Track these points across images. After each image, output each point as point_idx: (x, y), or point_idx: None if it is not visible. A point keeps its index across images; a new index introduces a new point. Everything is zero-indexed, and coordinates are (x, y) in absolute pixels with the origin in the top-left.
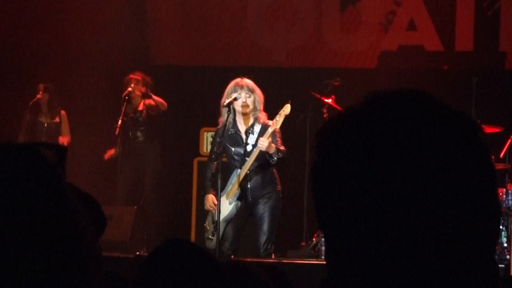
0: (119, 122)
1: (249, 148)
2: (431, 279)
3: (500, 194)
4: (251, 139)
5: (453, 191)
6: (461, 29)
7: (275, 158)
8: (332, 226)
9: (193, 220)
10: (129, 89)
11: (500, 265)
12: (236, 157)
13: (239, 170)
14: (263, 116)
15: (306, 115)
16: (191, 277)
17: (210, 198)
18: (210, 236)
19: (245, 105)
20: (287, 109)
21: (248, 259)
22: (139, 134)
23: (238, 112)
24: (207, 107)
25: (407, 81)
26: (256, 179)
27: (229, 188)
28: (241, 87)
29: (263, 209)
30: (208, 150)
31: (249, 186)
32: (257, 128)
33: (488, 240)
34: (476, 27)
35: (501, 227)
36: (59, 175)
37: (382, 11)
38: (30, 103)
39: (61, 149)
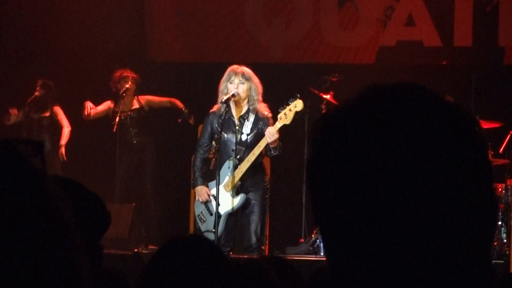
0: (117, 119)
1: (243, 137)
2: (427, 274)
3: (500, 189)
4: (246, 127)
5: (449, 186)
6: (460, 24)
7: (276, 153)
8: (327, 222)
9: (191, 216)
10: (127, 86)
11: (499, 261)
12: (229, 145)
13: (231, 160)
14: (262, 107)
15: (304, 111)
16: (200, 272)
17: (205, 190)
18: (212, 230)
19: (236, 93)
20: (299, 105)
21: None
22: (135, 131)
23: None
24: (205, 103)
25: (406, 77)
26: (248, 170)
27: (226, 180)
28: (236, 73)
29: (253, 203)
30: None
31: (242, 176)
32: (252, 116)
33: (484, 236)
34: (475, 22)
35: (500, 222)
36: (35, 169)
37: (381, 7)
38: (28, 100)
39: (38, 144)
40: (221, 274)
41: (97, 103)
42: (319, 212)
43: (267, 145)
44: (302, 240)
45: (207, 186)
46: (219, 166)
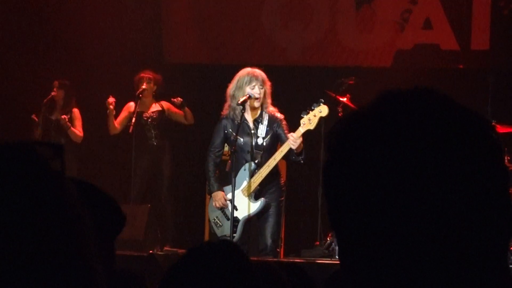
0: (133, 121)
1: (259, 141)
2: (443, 280)
3: None
4: (261, 131)
5: (464, 191)
6: (477, 28)
7: (300, 158)
8: (343, 226)
9: (207, 218)
10: (143, 87)
11: None
12: (244, 149)
13: (247, 164)
14: (272, 109)
15: (328, 116)
16: (228, 278)
17: (221, 195)
18: (234, 235)
19: (258, 97)
20: (324, 110)
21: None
22: (153, 132)
23: (249, 102)
24: (221, 105)
25: (423, 80)
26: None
27: (244, 184)
28: (257, 78)
29: (269, 205)
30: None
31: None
32: (265, 118)
33: (501, 241)
34: (492, 26)
35: None
36: (54, 171)
37: (398, 10)
38: (45, 100)
39: (57, 147)
40: (248, 281)
41: (115, 105)
42: (335, 217)
43: (290, 150)
44: (317, 243)
45: (223, 191)
46: (235, 170)
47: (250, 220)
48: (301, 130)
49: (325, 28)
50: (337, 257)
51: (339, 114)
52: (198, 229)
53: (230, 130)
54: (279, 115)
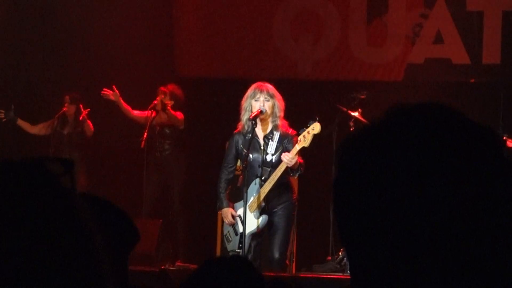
0: (145, 135)
1: (268, 157)
2: None
3: None
4: (271, 147)
5: (474, 208)
6: (488, 42)
7: (297, 174)
8: (354, 242)
9: (218, 234)
10: (155, 101)
11: None
12: (254, 165)
13: (257, 180)
14: (283, 124)
15: (332, 128)
16: None
17: (229, 212)
18: (236, 250)
19: (263, 109)
20: (316, 128)
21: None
22: (165, 146)
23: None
24: (233, 119)
25: (434, 94)
26: (273, 189)
27: (251, 200)
28: (261, 91)
29: (278, 219)
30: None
31: (267, 196)
32: (276, 135)
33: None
34: (503, 40)
35: None
36: (64, 187)
37: (409, 24)
38: (56, 115)
39: (68, 163)
40: None
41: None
42: (345, 233)
43: (290, 169)
44: (329, 258)
45: (233, 207)
46: (246, 185)
47: (261, 234)
48: (297, 147)
49: (336, 42)
50: (348, 272)
51: (351, 129)
52: (210, 244)
53: (241, 146)
54: (290, 131)
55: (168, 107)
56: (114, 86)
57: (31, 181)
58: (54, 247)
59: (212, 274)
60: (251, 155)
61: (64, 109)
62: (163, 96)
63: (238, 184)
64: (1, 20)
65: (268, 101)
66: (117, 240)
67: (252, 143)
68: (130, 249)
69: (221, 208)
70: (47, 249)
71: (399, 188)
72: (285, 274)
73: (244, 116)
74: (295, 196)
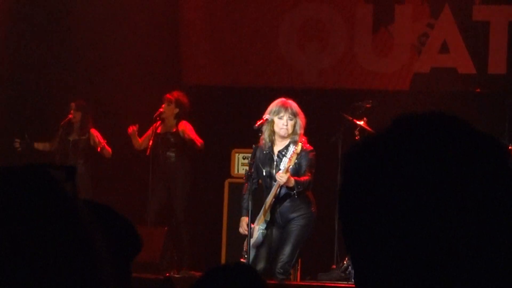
0: (150, 143)
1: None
2: None
3: None
4: (284, 163)
5: (480, 218)
6: (494, 52)
7: (295, 192)
8: (359, 250)
9: (223, 241)
10: (160, 109)
11: None
12: (267, 179)
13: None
14: (302, 140)
15: (337, 137)
16: None
17: (245, 221)
18: (241, 259)
19: (285, 128)
20: (298, 147)
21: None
22: (170, 154)
23: (277, 133)
24: (239, 128)
25: (440, 104)
26: (286, 203)
27: (260, 213)
28: (286, 109)
29: (290, 230)
30: (240, 172)
31: (278, 210)
32: (290, 151)
33: None
34: (509, 50)
35: None
36: (66, 194)
37: (415, 33)
38: (62, 122)
39: (70, 170)
40: None
41: (131, 126)
42: (350, 240)
43: (287, 187)
44: (334, 266)
45: (247, 217)
46: (264, 199)
47: (264, 247)
48: (286, 166)
49: (342, 51)
50: (353, 280)
51: (356, 138)
52: (215, 252)
53: (257, 159)
54: (307, 147)
55: (189, 135)
56: (130, 131)
57: (34, 187)
58: (56, 253)
59: (217, 282)
60: (265, 170)
61: (70, 116)
62: (167, 105)
63: (243, 192)
64: (8, 27)
65: (291, 119)
66: (120, 248)
67: (267, 157)
68: (132, 257)
69: (241, 216)
70: (48, 255)
71: (404, 196)
72: (289, 282)
73: (266, 133)
74: (313, 208)
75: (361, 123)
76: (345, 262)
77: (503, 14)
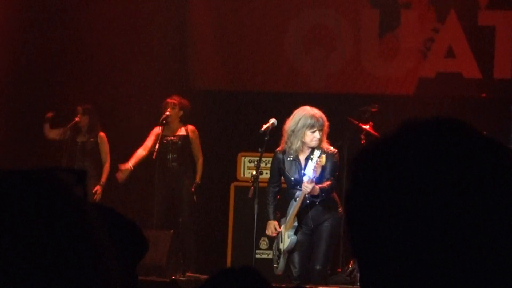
0: (156, 147)
1: (305, 178)
2: None
3: None
4: (309, 168)
5: (488, 222)
6: (500, 57)
7: (319, 199)
8: (365, 254)
9: (229, 245)
10: (167, 113)
11: None
12: (293, 186)
13: (294, 201)
14: (325, 144)
15: (343, 141)
16: None
17: (272, 225)
18: (274, 265)
19: (316, 141)
20: (323, 159)
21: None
22: (173, 156)
23: (306, 143)
24: (245, 131)
25: (445, 109)
26: (316, 206)
27: (287, 219)
28: (318, 121)
29: (322, 232)
30: (246, 175)
31: (310, 214)
32: (316, 155)
33: None
34: None
35: None
36: (76, 197)
37: (421, 38)
38: (69, 125)
39: (80, 173)
40: None
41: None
42: (356, 244)
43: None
44: (339, 270)
45: (278, 221)
46: (288, 204)
47: (297, 251)
48: (311, 177)
49: (348, 56)
50: (358, 284)
51: (362, 142)
52: (220, 255)
53: (282, 165)
54: (332, 149)
55: (199, 147)
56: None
57: (43, 190)
58: (64, 256)
59: (222, 285)
60: (291, 176)
61: (76, 119)
62: (172, 108)
63: (249, 196)
64: (16, 30)
65: (320, 131)
66: (127, 250)
67: (292, 165)
68: (139, 260)
69: (268, 219)
70: (57, 258)
71: (411, 201)
72: (296, 286)
73: (295, 143)
74: (340, 209)
75: (367, 127)
76: (350, 266)
77: (508, 19)
